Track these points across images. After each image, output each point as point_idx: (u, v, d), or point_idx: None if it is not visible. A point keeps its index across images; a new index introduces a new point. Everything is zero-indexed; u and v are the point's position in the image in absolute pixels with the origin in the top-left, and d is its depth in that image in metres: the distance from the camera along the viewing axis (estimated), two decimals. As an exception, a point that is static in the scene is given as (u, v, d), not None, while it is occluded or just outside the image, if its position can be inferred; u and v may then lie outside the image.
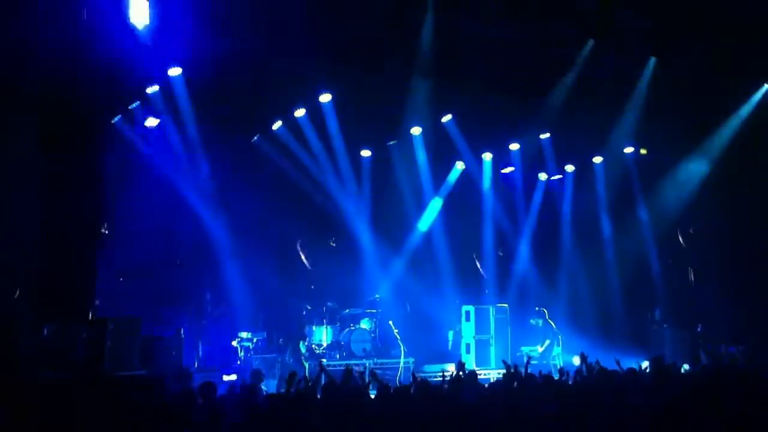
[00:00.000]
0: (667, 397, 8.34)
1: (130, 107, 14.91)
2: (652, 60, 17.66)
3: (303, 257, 17.91)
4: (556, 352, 17.01)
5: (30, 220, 12.46)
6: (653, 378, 10.15)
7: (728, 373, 10.46)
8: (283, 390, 9.97)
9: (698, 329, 18.19)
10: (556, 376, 11.11)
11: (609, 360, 11.48)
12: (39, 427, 7.58)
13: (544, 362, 16.61)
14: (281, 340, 16.12)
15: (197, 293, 15.98)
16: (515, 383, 9.76)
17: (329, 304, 16.52)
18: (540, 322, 17.20)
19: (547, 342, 16.92)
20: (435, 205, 19.42)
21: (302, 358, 15.36)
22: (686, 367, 14.03)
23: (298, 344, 15.70)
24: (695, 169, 19.86)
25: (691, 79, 17.24)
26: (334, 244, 16.96)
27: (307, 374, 13.09)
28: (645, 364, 13.81)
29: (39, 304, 11.98)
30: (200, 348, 15.34)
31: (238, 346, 15.43)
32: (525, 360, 12.90)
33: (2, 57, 11.80)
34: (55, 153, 12.55)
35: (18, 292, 12.54)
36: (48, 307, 11.89)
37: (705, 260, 20.50)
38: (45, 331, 11.38)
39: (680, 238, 20.75)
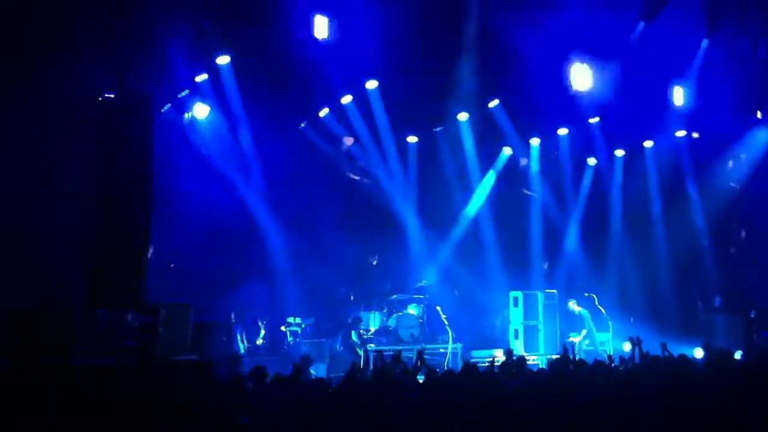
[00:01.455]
0: (720, 384, 8.22)
1: (179, 95, 15.09)
2: (705, 41, 17.29)
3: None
4: (605, 338, 16.83)
5: (82, 208, 12.67)
6: (706, 365, 10.00)
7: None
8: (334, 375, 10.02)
9: (752, 315, 17.85)
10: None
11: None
12: (94, 412, 7.74)
13: (589, 348, 16.47)
14: (330, 325, 16.23)
15: (247, 279, 16.09)
16: (566, 368, 9.70)
17: (378, 288, 16.60)
18: (578, 309, 16.92)
19: (585, 332, 16.71)
20: (488, 180, 19.35)
21: (356, 347, 15.42)
22: (740, 353, 13.79)
23: (350, 334, 15.74)
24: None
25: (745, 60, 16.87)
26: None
27: (362, 363, 13.24)
28: (698, 350, 13.62)
29: (92, 291, 12.20)
30: (249, 333, 15.50)
31: (286, 331, 15.58)
32: (572, 346, 12.80)
33: None
34: (106, 141, 12.73)
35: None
36: (101, 294, 12.10)
37: (757, 244, 20.11)
38: (99, 318, 11.60)
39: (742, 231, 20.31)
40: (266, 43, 14.23)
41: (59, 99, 12.82)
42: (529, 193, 19.82)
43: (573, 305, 16.98)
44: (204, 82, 14.90)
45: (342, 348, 15.50)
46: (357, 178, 17.91)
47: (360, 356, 14.67)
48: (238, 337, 15.07)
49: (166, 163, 14.59)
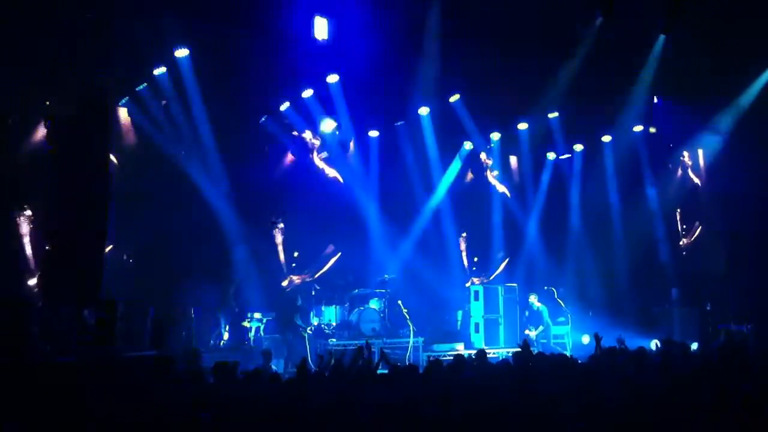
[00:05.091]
0: (676, 376, 8.34)
1: (137, 89, 14.93)
2: (662, 37, 17.50)
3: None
4: (564, 331, 17.01)
5: (39, 203, 12.48)
6: (663, 357, 10.15)
7: (738, 352, 10.43)
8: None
9: (707, 308, 18.16)
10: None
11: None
12: (51, 410, 7.62)
13: (543, 341, 16.68)
14: (275, 316, 16.01)
15: (207, 274, 15.94)
16: (524, 362, 9.77)
17: (340, 282, 16.56)
18: (537, 305, 17.10)
19: (541, 327, 16.89)
20: (450, 175, 19.48)
21: (301, 330, 15.28)
22: (695, 345, 14.04)
23: (293, 318, 15.54)
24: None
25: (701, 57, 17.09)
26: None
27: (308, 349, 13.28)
28: (654, 343, 13.83)
29: (49, 287, 12.02)
30: (211, 328, 15.37)
31: (249, 326, 15.47)
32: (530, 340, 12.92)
33: None
34: (62, 135, 12.54)
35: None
36: (58, 290, 11.92)
37: (713, 240, 20.49)
38: (56, 314, 11.44)
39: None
40: (227, 36, 14.16)
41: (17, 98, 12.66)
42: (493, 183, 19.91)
43: (534, 300, 17.12)
44: (162, 74, 14.77)
45: (292, 336, 15.31)
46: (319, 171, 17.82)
47: (305, 338, 14.59)
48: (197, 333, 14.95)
49: (127, 156, 14.50)
